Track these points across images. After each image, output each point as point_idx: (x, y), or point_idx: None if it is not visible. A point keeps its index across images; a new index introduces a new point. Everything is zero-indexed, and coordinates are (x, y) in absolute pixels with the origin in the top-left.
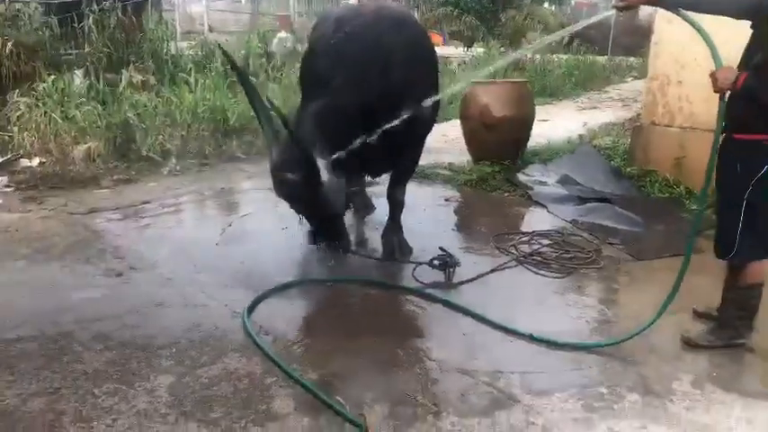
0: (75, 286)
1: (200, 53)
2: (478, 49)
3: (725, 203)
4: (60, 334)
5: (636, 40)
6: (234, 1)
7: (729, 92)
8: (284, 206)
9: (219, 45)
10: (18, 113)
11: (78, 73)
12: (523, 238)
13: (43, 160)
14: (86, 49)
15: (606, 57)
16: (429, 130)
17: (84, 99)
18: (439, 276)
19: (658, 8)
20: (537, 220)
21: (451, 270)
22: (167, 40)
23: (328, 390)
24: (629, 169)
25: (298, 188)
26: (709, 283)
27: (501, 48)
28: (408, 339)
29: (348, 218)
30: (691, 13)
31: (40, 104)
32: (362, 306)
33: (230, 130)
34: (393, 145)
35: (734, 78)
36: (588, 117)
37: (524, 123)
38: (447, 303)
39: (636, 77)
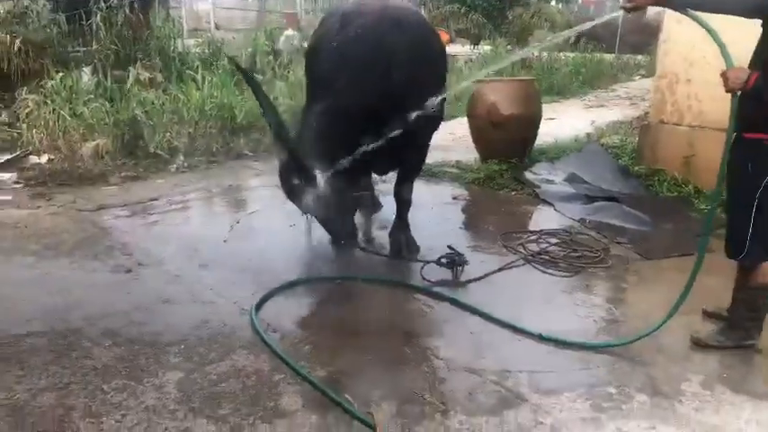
0: (83, 282)
1: (207, 51)
2: (485, 47)
3: (735, 203)
4: (69, 330)
5: (644, 39)
6: None
7: (740, 91)
8: (291, 204)
9: (228, 55)
10: (27, 110)
11: (86, 70)
12: (531, 237)
13: (52, 157)
14: (94, 47)
15: (614, 55)
16: (436, 128)
17: (92, 96)
18: (446, 275)
19: (666, 7)
20: (544, 218)
21: (459, 269)
22: (174, 38)
23: (336, 387)
24: (636, 168)
25: (300, 193)
26: (720, 284)
27: (508, 46)
28: (416, 338)
29: (356, 216)
30: (699, 13)
31: (49, 101)
32: (370, 304)
33: (238, 128)
34: (399, 143)
35: (745, 78)
36: (596, 115)
37: (532, 122)
38: (455, 302)
39: (644, 76)
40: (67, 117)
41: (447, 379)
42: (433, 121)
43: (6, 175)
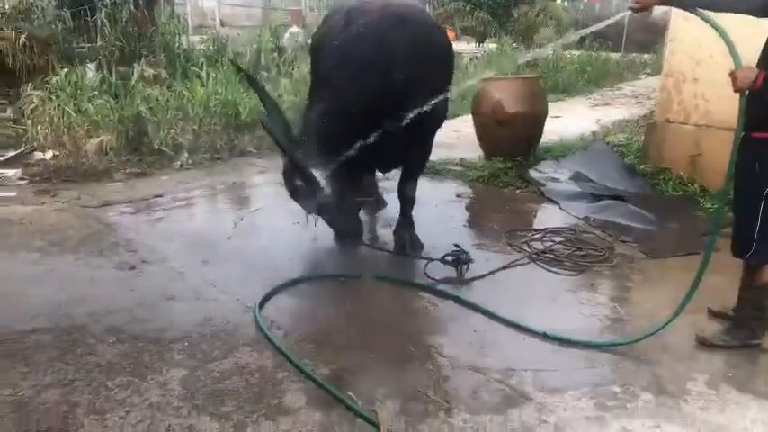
0: (87, 279)
1: (211, 47)
2: (490, 45)
3: (743, 202)
4: (74, 326)
5: (650, 37)
6: None
7: (748, 91)
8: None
9: (231, 60)
10: (32, 107)
11: (91, 66)
12: (536, 236)
13: (56, 153)
14: (99, 43)
15: (620, 53)
16: (439, 125)
17: (96, 92)
18: (451, 273)
19: (674, 7)
20: (549, 217)
21: (464, 267)
22: (179, 34)
23: (340, 385)
24: (642, 167)
25: (304, 192)
26: (725, 283)
27: (513, 44)
28: (420, 335)
29: (360, 214)
30: (708, 12)
31: (54, 98)
32: (374, 302)
33: (242, 125)
34: (403, 141)
35: (754, 77)
36: (601, 114)
37: (537, 120)
38: (459, 300)
39: (650, 74)
40: (72, 113)
41: (451, 377)
42: (437, 119)
43: (11, 172)
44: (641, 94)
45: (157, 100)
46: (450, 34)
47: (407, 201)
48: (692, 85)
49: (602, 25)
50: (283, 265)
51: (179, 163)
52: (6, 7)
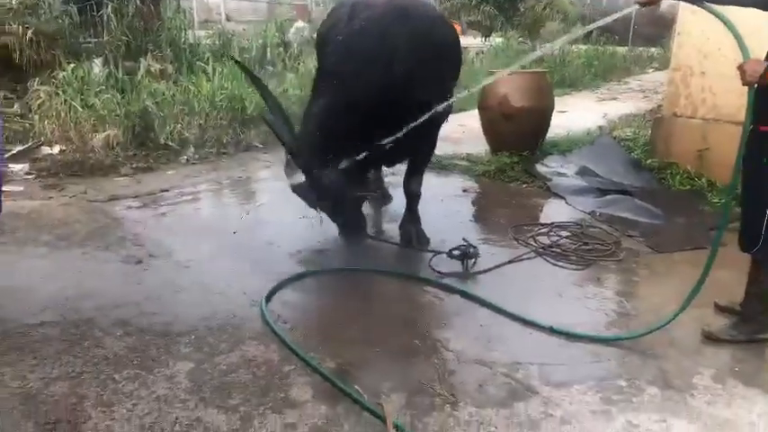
0: (95, 273)
1: (217, 42)
2: (497, 39)
3: (750, 196)
4: (81, 320)
5: (657, 31)
6: None
7: (757, 84)
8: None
9: (231, 55)
10: (39, 101)
11: (97, 61)
12: (542, 230)
13: (63, 148)
14: (105, 38)
15: (627, 47)
16: (445, 119)
17: (103, 87)
18: (457, 267)
19: (681, 1)
20: (555, 211)
21: (471, 261)
22: (185, 29)
23: (346, 378)
24: (649, 161)
25: (306, 186)
26: (732, 277)
27: (520, 38)
28: (426, 329)
29: (366, 208)
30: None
31: (60, 92)
32: (380, 296)
33: (248, 120)
34: (408, 135)
35: (762, 70)
36: (608, 108)
37: (543, 114)
38: (465, 294)
39: (657, 68)
40: (79, 108)
41: (457, 371)
42: (443, 113)
43: (18, 166)
44: (648, 88)
45: (164, 95)
46: (457, 28)
47: (413, 195)
48: (699, 78)
49: (609, 19)
50: (289, 259)
51: (185, 157)
52: (13, 2)
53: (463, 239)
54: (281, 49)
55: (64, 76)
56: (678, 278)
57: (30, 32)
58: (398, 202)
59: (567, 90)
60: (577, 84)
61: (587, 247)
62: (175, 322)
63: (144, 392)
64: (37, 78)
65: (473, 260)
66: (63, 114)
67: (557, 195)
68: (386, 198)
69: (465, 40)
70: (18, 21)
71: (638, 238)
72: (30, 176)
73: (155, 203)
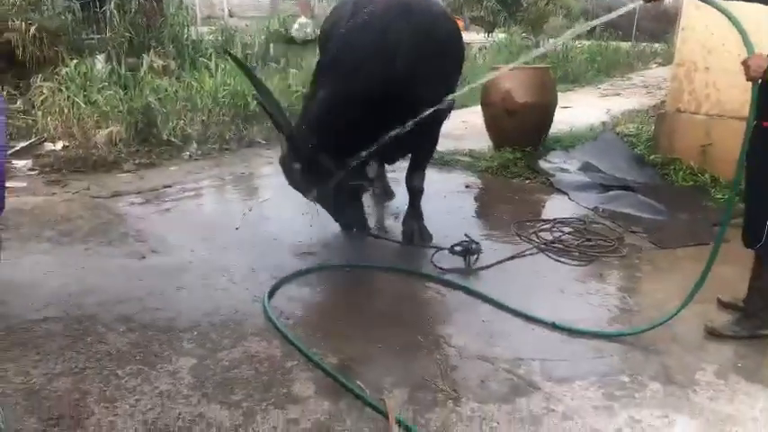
0: (98, 269)
1: (220, 38)
2: (500, 35)
3: (754, 192)
4: (84, 315)
5: (661, 26)
6: None
7: (761, 79)
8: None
9: (227, 51)
10: (42, 98)
11: (100, 57)
12: (545, 226)
13: (66, 144)
14: (108, 34)
15: (630, 43)
16: (447, 115)
17: (105, 83)
18: (459, 263)
19: None
20: (558, 207)
21: (474, 257)
22: (188, 25)
23: (348, 374)
24: (652, 157)
25: (301, 178)
26: (735, 273)
27: (523, 34)
28: (428, 325)
29: (368, 204)
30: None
31: (63, 89)
32: (382, 292)
33: (251, 116)
34: (410, 131)
35: (767, 66)
36: (611, 104)
37: (546, 110)
38: (467, 290)
39: (660, 64)
40: (82, 104)
41: (459, 366)
42: (445, 109)
43: (22, 162)
44: (651, 83)
45: (166, 91)
46: (459, 24)
47: (416, 191)
48: (703, 74)
49: (613, 15)
50: (292, 255)
51: (188, 154)
52: None
53: (465, 235)
54: (284, 44)
55: (67, 73)
56: (681, 274)
57: (33, 29)
58: (401, 198)
59: (571, 86)
60: (581, 79)
61: (590, 243)
62: (178, 318)
63: (147, 388)
64: (40, 75)
65: (475, 256)
66: (66, 111)
67: (559, 191)
68: (388, 194)
69: (468, 36)
70: (21, 17)
71: (641, 234)
72: (33, 172)
73: (157, 199)
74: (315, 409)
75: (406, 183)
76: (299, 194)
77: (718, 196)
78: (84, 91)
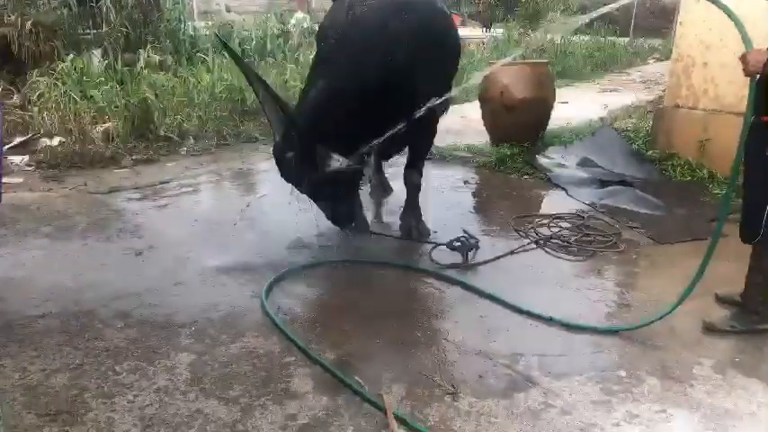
0: (95, 264)
1: (218, 32)
2: (498, 30)
3: (752, 187)
4: (82, 311)
5: (659, 22)
6: None
7: (759, 75)
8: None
9: (216, 33)
10: (38, 93)
11: (96, 53)
12: (543, 221)
13: (63, 140)
14: (104, 29)
15: (628, 38)
16: (443, 111)
17: (102, 79)
18: (457, 258)
19: None
20: (556, 202)
21: (472, 253)
22: (184, 21)
23: (346, 370)
24: (650, 152)
25: (296, 167)
26: (733, 268)
27: (520, 29)
28: (426, 321)
29: (365, 200)
30: None
31: (60, 84)
32: (380, 287)
33: (248, 111)
34: (407, 126)
35: (765, 61)
36: (609, 99)
37: (545, 105)
38: (465, 285)
39: (658, 59)
40: (78, 100)
41: (457, 362)
42: (441, 104)
43: (18, 158)
44: (650, 79)
45: (163, 86)
46: (457, 19)
47: (413, 186)
48: (701, 69)
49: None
50: (290, 250)
51: (185, 149)
52: None
53: (463, 231)
54: (281, 40)
55: (63, 68)
56: (678, 269)
57: (29, 24)
58: (399, 193)
59: (569, 81)
60: (579, 75)
61: (588, 239)
62: (176, 314)
63: (145, 384)
64: (36, 70)
65: (473, 251)
66: (62, 106)
67: (558, 187)
68: (386, 189)
69: (466, 32)
70: (17, 12)
71: (639, 230)
72: (29, 168)
73: (155, 195)
74: (313, 405)
75: (404, 178)
76: (296, 189)
77: (716, 191)
78: (81, 86)
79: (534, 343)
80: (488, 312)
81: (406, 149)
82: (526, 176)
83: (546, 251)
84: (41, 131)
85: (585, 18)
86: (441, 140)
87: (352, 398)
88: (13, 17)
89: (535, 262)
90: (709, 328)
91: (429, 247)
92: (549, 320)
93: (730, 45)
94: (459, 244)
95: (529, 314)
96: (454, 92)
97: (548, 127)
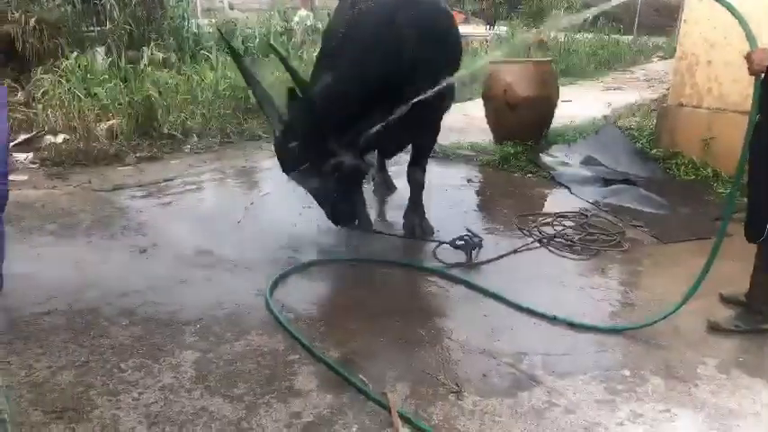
0: (100, 262)
1: (221, 30)
2: (501, 28)
3: (756, 186)
4: (87, 309)
5: (663, 20)
6: None
7: (764, 73)
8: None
9: (218, 28)
10: (42, 90)
11: (100, 50)
12: (546, 220)
13: (67, 137)
14: (108, 27)
15: (632, 36)
16: (445, 108)
17: (106, 76)
18: (461, 257)
19: None
20: (560, 201)
21: (475, 251)
22: (188, 18)
23: (350, 368)
24: (654, 151)
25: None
26: (737, 268)
27: (524, 26)
28: (430, 319)
29: (369, 198)
30: None
31: (64, 81)
32: (384, 285)
33: (252, 109)
34: (408, 125)
35: None
36: (613, 97)
37: (548, 103)
38: (469, 284)
39: (662, 57)
40: (82, 97)
41: (461, 361)
42: (444, 102)
43: (23, 155)
44: (653, 77)
45: (167, 84)
46: (459, 17)
47: (417, 185)
48: (705, 67)
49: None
50: (294, 248)
51: (189, 147)
52: None
53: (467, 229)
54: (285, 37)
55: (67, 65)
56: (682, 268)
57: (32, 21)
58: (402, 192)
59: (572, 79)
60: (582, 73)
61: (592, 237)
62: (180, 311)
63: (150, 381)
64: (40, 67)
65: (476, 250)
66: (66, 103)
67: (561, 185)
68: (390, 188)
69: (469, 29)
70: (21, 9)
71: (643, 228)
72: (33, 166)
73: (159, 193)
74: (317, 403)
75: (408, 176)
76: (299, 186)
77: (720, 190)
78: (85, 84)
79: (538, 342)
80: (492, 311)
81: (410, 147)
82: (529, 175)
83: (549, 250)
84: (46, 129)
85: (583, 15)
86: (444, 138)
87: (357, 396)
88: (17, 14)
89: (539, 261)
90: (714, 328)
91: (432, 245)
92: (553, 319)
93: (735, 43)
94: (462, 242)
95: (533, 313)
96: (453, 89)
97: (551, 125)
